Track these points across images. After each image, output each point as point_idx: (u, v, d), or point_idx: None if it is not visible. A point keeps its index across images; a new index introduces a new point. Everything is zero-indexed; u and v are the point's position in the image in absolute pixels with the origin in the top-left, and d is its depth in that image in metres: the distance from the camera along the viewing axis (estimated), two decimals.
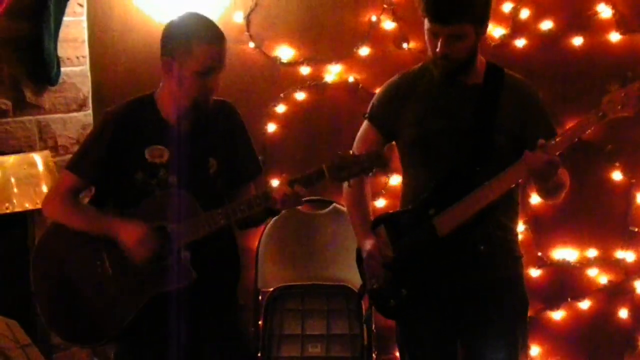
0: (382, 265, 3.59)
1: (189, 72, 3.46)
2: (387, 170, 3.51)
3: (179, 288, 3.48)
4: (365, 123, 3.78)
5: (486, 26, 3.58)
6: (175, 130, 3.58)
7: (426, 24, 3.51)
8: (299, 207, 4.90)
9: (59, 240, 3.66)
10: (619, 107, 3.34)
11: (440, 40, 3.47)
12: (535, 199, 4.81)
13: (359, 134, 3.79)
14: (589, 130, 3.44)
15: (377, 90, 3.83)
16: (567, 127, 3.50)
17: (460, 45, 3.49)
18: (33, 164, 4.62)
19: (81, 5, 5.11)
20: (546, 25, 4.94)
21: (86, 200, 3.73)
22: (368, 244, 3.63)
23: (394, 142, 3.77)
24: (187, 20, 3.54)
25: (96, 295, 3.56)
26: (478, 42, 3.57)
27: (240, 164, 3.69)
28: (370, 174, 3.50)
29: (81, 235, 3.58)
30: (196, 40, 3.45)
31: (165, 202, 3.53)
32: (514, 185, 3.55)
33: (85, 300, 3.58)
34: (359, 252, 3.73)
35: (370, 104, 3.78)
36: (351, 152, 3.45)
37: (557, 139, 3.43)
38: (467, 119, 3.58)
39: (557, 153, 3.39)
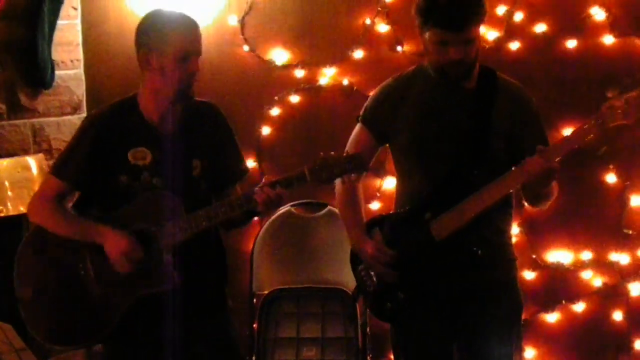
0: (388, 265, 3.59)
1: (169, 59, 3.48)
2: (363, 172, 3.50)
3: (163, 291, 3.49)
4: (358, 126, 3.78)
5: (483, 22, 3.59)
6: (158, 131, 3.59)
7: (434, 33, 3.47)
8: (293, 210, 4.92)
9: (41, 245, 3.65)
10: (619, 115, 3.34)
11: (454, 47, 3.45)
12: None
13: (351, 136, 3.79)
14: (588, 138, 3.44)
15: (371, 93, 3.83)
16: (567, 135, 3.50)
17: (471, 48, 3.50)
18: (27, 168, 4.62)
19: (75, 9, 5.12)
20: (540, 28, 4.95)
21: (70, 204, 3.72)
22: (368, 247, 3.63)
23: (387, 145, 3.77)
24: (156, 13, 3.60)
25: (79, 298, 3.56)
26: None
27: (225, 166, 3.70)
28: (352, 175, 3.51)
29: (63, 238, 3.58)
30: (169, 27, 3.51)
31: (149, 204, 3.53)
32: (511, 190, 3.55)
33: (68, 304, 3.58)
34: (353, 254, 3.73)
35: (364, 107, 3.78)
36: (332, 152, 3.46)
37: (557, 145, 3.43)
38: (462, 122, 3.58)
39: (557, 159, 3.40)
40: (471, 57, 3.52)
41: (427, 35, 3.49)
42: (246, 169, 3.82)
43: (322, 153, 3.45)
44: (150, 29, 3.53)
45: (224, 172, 3.69)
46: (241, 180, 3.77)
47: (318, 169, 3.43)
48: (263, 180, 3.48)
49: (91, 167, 3.57)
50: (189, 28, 3.53)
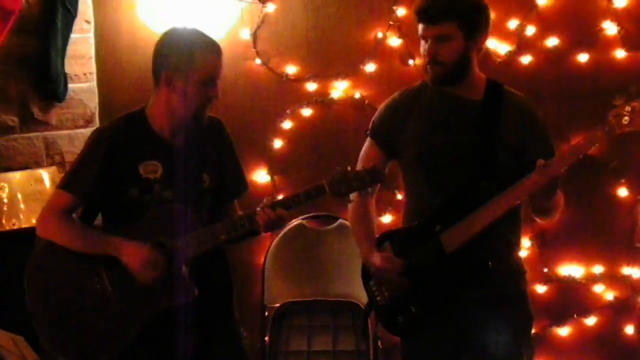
0: (398, 276, 3.59)
1: (193, 82, 3.48)
2: (386, 186, 3.51)
3: (180, 305, 3.48)
4: (367, 140, 3.79)
5: (478, 32, 3.59)
6: (168, 144, 3.59)
7: (419, 29, 3.57)
8: (305, 223, 4.92)
9: (52, 260, 3.63)
10: (626, 122, 3.34)
11: (428, 42, 3.53)
12: None
13: (362, 151, 3.80)
14: (595, 146, 3.44)
15: (378, 108, 3.84)
16: (574, 142, 3.50)
17: (446, 47, 3.52)
18: (40, 180, 4.63)
19: (88, 22, 5.14)
20: (552, 42, 4.95)
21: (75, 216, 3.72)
22: (377, 260, 3.62)
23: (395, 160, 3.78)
24: (183, 33, 3.58)
25: (96, 313, 3.54)
26: (469, 51, 3.59)
27: (228, 181, 3.71)
28: (370, 189, 3.52)
29: (75, 253, 3.56)
30: (199, 50, 3.50)
31: (161, 217, 3.53)
32: (519, 202, 3.56)
33: (84, 319, 3.56)
34: (364, 269, 3.73)
35: (372, 122, 3.80)
36: (349, 167, 3.46)
37: (565, 153, 3.44)
38: (469, 134, 3.59)
39: (564, 168, 3.40)
40: (447, 58, 3.54)
41: (418, 32, 3.58)
42: (246, 185, 3.83)
43: (338, 167, 3.45)
44: (176, 51, 3.51)
45: (226, 187, 3.71)
46: (240, 197, 3.79)
47: (337, 182, 3.43)
48: (264, 201, 3.46)
49: (101, 180, 3.57)
50: (216, 52, 3.53)
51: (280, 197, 3.72)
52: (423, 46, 3.57)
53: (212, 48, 3.53)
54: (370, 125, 3.79)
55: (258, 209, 3.46)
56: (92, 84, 5.19)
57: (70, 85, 4.92)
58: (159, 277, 3.45)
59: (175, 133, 3.59)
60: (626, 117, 3.33)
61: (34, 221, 4.49)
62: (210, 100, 3.51)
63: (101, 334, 3.55)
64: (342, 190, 3.44)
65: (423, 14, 3.53)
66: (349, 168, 3.46)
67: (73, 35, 4.91)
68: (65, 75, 4.85)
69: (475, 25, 3.57)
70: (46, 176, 4.66)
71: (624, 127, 3.35)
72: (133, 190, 3.55)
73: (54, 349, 3.66)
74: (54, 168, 4.76)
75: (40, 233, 3.69)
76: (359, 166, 3.71)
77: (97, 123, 5.16)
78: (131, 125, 3.63)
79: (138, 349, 3.55)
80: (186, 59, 3.48)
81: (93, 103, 5.17)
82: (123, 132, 3.62)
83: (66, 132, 4.93)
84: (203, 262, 3.53)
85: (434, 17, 3.51)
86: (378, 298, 3.69)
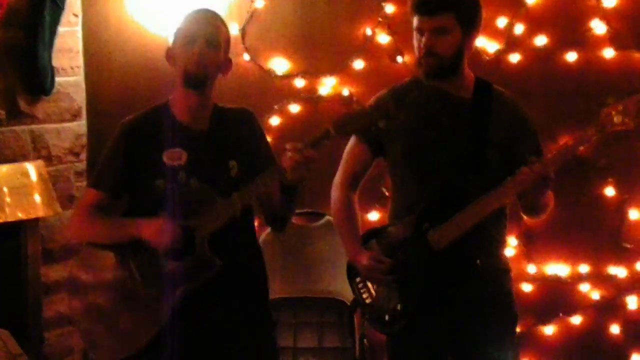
0: (386, 273, 3.58)
1: (177, 45, 3.53)
2: (392, 119, 3.40)
3: (207, 279, 3.43)
4: (353, 137, 3.77)
5: (473, 28, 3.60)
6: (191, 130, 3.56)
7: (414, 22, 3.56)
8: (292, 220, 4.91)
9: (88, 268, 3.63)
10: (618, 120, 3.35)
11: (425, 35, 3.51)
12: None
13: (347, 148, 3.79)
14: (585, 145, 3.44)
15: (367, 104, 3.82)
16: (566, 141, 3.50)
17: (444, 40, 3.52)
18: (26, 174, 4.61)
19: (76, 16, 5.12)
20: (541, 40, 4.95)
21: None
22: (363, 259, 3.62)
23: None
24: None
25: (129, 305, 3.53)
26: (464, 46, 3.59)
27: (260, 169, 3.57)
28: (380, 124, 3.41)
29: (108, 256, 3.56)
30: (183, 19, 3.55)
31: (187, 202, 3.49)
32: (508, 200, 3.56)
33: (119, 314, 3.54)
34: (349, 266, 3.73)
35: None
36: (356, 105, 3.37)
37: (555, 153, 3.44)
38: (458, 133, 3.59)
39: (554, 168, 3.41)
40: (445, 51, 3.54)
41: (413, 25, 3.57)
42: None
43: (344, 110, 3.37)
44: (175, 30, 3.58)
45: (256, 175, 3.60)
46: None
47: (342, 122, 3.34)
48: (287, 145, 3.37)
49: (128, 174, 3.56)
50: (198, 14, 3.56)
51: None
52: (418, 40, 3.56)
53: (195, 12, 3.57)
54: None
55: (282, 156, 3.36)
56: (80, 77, 5.17)
57: (58, 79, 4.91)
58: (176, 243, 3.42)
59: (198, 119, 3.57)
60: (618, 116, 3.34)
61: (20, 215, 4.51)
62: (197, 57, 3.47)
63: (135, 324, 3.52)
64: (347, 130, 3.38)
65: (421, 6, 3.52)
66: (354, 106, 3.34)
67: (61, 29, 4.89)
68: (52, 68, 4.84)
69: (472, 19, 3.58)
70: (32, 170, 4.64)
71: (615, 126, 3.36)
72: (159, 181, 3.52)
73: (94, 350, 3.64)
74: (40, 162, 4.74)
75: (72, 236, 3.76)
76: (343, 163, 3.76)
77: (84, 117, 5.16)
78: (153, 116, 3.62)
79: (174, 331, 3.51)
80: (175, 32, 3.56)
81: (80, 97, 5.15)
82: (145, 122, 3.61)
83: (53, 125, 4.92)
84: (239, 258, 3.52)
85: (433, 8, 3.49)
86: (364, 296, 3.69)
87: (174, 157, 3.53)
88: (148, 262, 3.50)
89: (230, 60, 3.64)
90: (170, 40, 3.59)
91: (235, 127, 3.64)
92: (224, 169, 3.56)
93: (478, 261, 3.55)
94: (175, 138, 3.55)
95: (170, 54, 3.58)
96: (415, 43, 3.59)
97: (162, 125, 3.57)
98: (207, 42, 3.49)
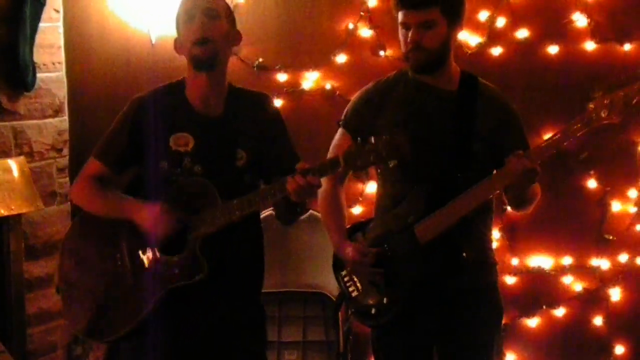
0: (371, 267, 3.58)
1: (180, 27, 3.49)
2: (405, 160, 3.35)
3: (192, 283, 3.39)
4: (339, 130, 3.77)
5: (459, 21, 3.60)
6: (202, 116, 3.50)
7: (399, 17, 3.55)
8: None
9: (85, 230, 3.61)
10: (605, 114, 3.35)
11: (412, 29, 3.51)
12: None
13: (333, 141, 3.78)
14: (572, 138, 3.45)
15: (352, 98, 3.83)
16: (552, 134, 3.50)
17: (431, 34, 3.51)
18: (8, 170, 4.59)
19: (57, 11, 5.10)
20: (522, 33, 4.96)
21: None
22: (349, 251, 3.62)
23: None
24: None
25: (113, 288, 3.49)
26: (450, 39, 3.59)
27: (274, 158, 3.56)
28: (390, 163, 3.41)
29: (104, 229, 3.53)
30: (180, 3, 3.52)
31: (185, 191, 3.44)
32: (494, 193, 3.56)
33: (102, 293, 3.51)
34: (335, 259, 3.73)
35: (345, 111, 3.78)
36: (372, 139, 3.23)
37: (543, 145, 3.45)
38: (444, 126, 3.59)
39: (539, 161, 3.42)
40: (432, 45, 3.53)
41: (398, 20, 3.56)
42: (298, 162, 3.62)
43: (359, 139, 3.26)
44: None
45: (272, 165, 3.55)
46: (293, 174, 3.48)
47: (354, 156, 3.24)
48: (297, 167, 3.33)
49: (132, 152, 3.52)
50: None
51: None
52: (404, 34, 3.55)
53: None
54: (343, 115, 3.78)
55: (289, 177, 3.28)
56: (61, 73, 5.16)
57: (39, 75, 4.89)
58: (168, 233, 3.40)
59: (207, 102, 3.51)
60: (605, 111, 3.34)
61: (2, 211, 4.49)
62: (199, 33, 3.41)
63: (116, 309, 3.49)
64: (358, 164, 3.25)
65: (407, 0, 3.51)
66: (371, 139, 3.23)
67: (42, 24, 4.87)
68: (33, 64, 4.82)
69: (457, 12, 3.57)
70: (14, 166, 4.62)
71: (602, 120, 3.36)
72: (163, 163, 3.47)
73: (71, 322, 3.64)
74: (22, 158, 4.73)
75: (72, 199, 3.75)
76: (329, 156, 3.71)
77: (65, 113, 5.14)
78: (167, 95, 3.56)
79: (155, 325, 3.47)
80: (177, 18, 3.52)
81: (62, 92, 5.14)
82: (156, 101, 3.54)
83: (35, 121, 4.90)
84: (238, 245, 3.48)
85: (418, 2, 3.49)
86: (350, 289, 3.69)
87: (180, 142, 3.48)
88: (139, 247, 3.47)
89: (238, 32, 3.58)
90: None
91: (250, 114, 3.57)
92: (231, 159, 3.50)
93: (464, 254, 3.56)
94: (185, 122, 3.50)
95: (177, 43, 3.52)
96: (401, 38, 3.58)
97: (173, 106, 3.52)
98: (205, 14, 3.43)
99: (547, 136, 3.66)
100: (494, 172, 3.47)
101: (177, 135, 3.48)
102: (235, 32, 3.56)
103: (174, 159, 3.48)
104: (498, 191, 3.55)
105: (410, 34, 3.52)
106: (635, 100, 3.32)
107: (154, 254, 3.45)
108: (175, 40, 3.53)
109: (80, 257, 3.58)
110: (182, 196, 3.44)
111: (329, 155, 3.66)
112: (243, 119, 3.54)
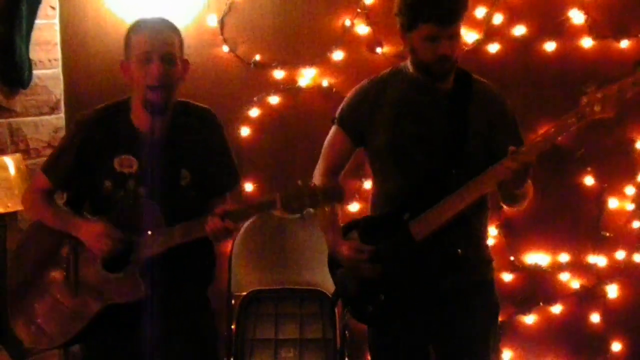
0: (367, 264, 3.57)
1: (133, 62, 3.45)
2: (341, 203, 3.42)
3: (127, 302, 3.43)
4: (334, 128, 3.77)
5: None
6: (146, 139, 3.51)
7: (423, 29, 3.47)
8: (273, 212, 4.90)
9: (35, 242, 3.66)
10: (598, 108, 3.34)
11: (443, 42, 3.46)
12: None
13: (327, 138, 3.79)
14: (564, 134, 3.45)
15: (347, 95, 3.82)
16: (545, 129, 3.50)
17: (456, 44, 3.52)
18: (4, 168, 4.59)
19: (53, 8, 5.10)
20: (519, 30, 4.96)
21: (61, 202, 3.72)
22: (344, 249, 3.61)
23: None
24: (133, 22, 3.55)
25: (52, 299, 3.54)
26: None
27: (214, 176, 3.61)
28: (326, 208, 3.49)
29: (54, 238, 3.57)
30: (132, 33, 3.48)
31: (130, 212, 3.48)
32: (489, 190, 3.56)
33: (41, 302, 3.56)
34: (331, 258, 3.72)
35: (339, 109, 3.77)
36: (312, 183, 3.35)
37: (536, 141, 3.44)
38: (439, 123, 3.59)
39: (535, 156, 3.41)
40: (457, 54, 3.54)
41: (414, 33, 3.50)
42: (237, 180, 3.73)
43: (299, 181, 3.32)
44: (125, 39, 3.51)
45: (213, 183, 3.61)
46: (231, 191, 3.67)
47: (290, 198, 3.30)
48: (215, 209, 3.36)
49: (77, 170, 3.56)
50: (154, 29, 3.47)
51: (247, 185, 3.65)
52: (429, 47, 3.48)
53: (150, 26, 3.48)
54: (337, 112, 3.77)
55: (209, 216, 3.36)
56: (57, 70, 5.15)
57: (35, 72, 4.89)
58: (110, 249, 3.43)
59: (155, 127, 3.50)
60: (598, 105, 3.33)
61: None
62: (157, 76, 3.41)
63: (52, 321, 3.54)
64: (294, 206, 3.31)
65: (440, 17, 3.44)
66: (311, 184, 3.34)
67: (38, 21, 4.87)
68: (30, 61, 4.81)
69: (465, 14, 3.56)
70: (11, 163, 4.61)
71: (595, 114, 3.35)
72: (107, 183, 3.51)
73: (15, 326, 3.65)
74: (18, 155, 4.72)
75: (24, 208, 3.82)
76: (324, 153, 3.75)
77: (62, 110, 5.14)
78: (112, 116, 3.58)
79: (99, 336, 3.55)
80: (127, 43, 3.49)
81: (58, 90, 5.13)
82: (102, 121, 3.57)
83: (31, 118, 4.90)
84: (187, 246, 3.47)
85: (452, 19, 3.46)
86: (347, 287, 3.68)
87: (124, 164, 3.52)
88: (83, 260, 3.52)
89: (186, 61, 3.57)
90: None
91: (194, 132, 3.59)
92: (175, 179, 3.54)
93: (459, 251, 3.55)
94: (129, 145, 3.53)
95: (125, 67, 3.50)
96: (420, 48, 3.51)
97: (118, 127, 3.55)
98: (163, 59, 3.42)
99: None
100: (489, 168, 3.46)
101: (122, 157, 3.52)
102: (184, 64, 3.55)
103: (118, 180, 3.52)
104: (492, 188, 3.54)
105: (440, 47, 3.47)
106: (629, 95, 3.31)
107: (95, 268, 3.49)
108: (124, 63, 3.51)
109: (29, 263, 3.65)
110: (126, 217, 3.47)
111: (322, 153, 3.73)
112: (187, 137, 3.57)
